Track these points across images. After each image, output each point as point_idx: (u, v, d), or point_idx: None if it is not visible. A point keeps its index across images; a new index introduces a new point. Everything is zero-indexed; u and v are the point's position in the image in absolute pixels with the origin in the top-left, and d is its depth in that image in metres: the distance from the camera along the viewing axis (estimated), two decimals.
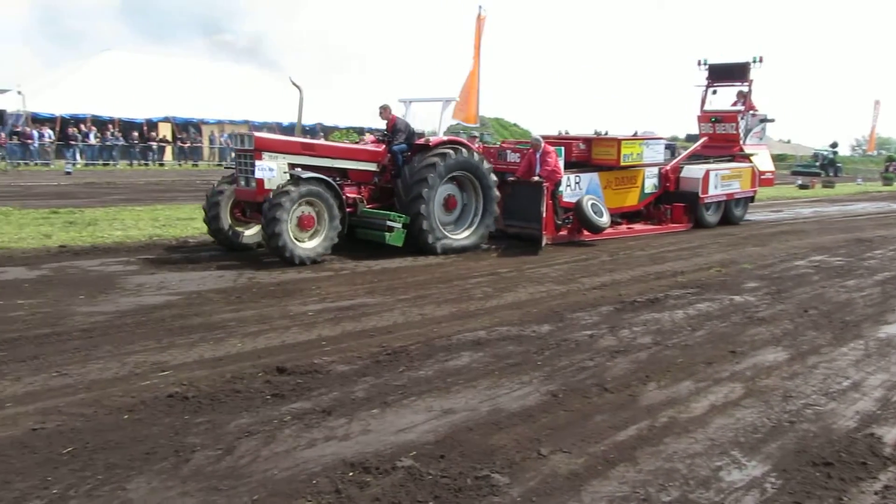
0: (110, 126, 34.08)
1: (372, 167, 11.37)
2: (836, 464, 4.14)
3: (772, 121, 18.02)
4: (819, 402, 5.16)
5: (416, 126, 11.95)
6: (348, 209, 10.57)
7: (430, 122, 12.76)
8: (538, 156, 12.26)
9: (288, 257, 9.57)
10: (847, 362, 6.11)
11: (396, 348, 6.10)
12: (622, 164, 13.76)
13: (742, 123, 17.01)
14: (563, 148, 13.11)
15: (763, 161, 17.31)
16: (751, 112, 17.26)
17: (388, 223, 10.65)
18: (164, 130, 36.75)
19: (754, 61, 16.76)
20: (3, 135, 31.23)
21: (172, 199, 17.97)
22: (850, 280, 9.76)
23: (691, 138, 18.46)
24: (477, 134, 23.92)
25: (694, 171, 15.43)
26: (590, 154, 13.98)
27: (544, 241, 11.87)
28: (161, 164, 34.84)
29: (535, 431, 4.49)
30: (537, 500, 3.67)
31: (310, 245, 9.92)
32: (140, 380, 5.22)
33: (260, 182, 9.84)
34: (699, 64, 17.58)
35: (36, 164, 30.51)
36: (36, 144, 31.25)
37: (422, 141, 11.50)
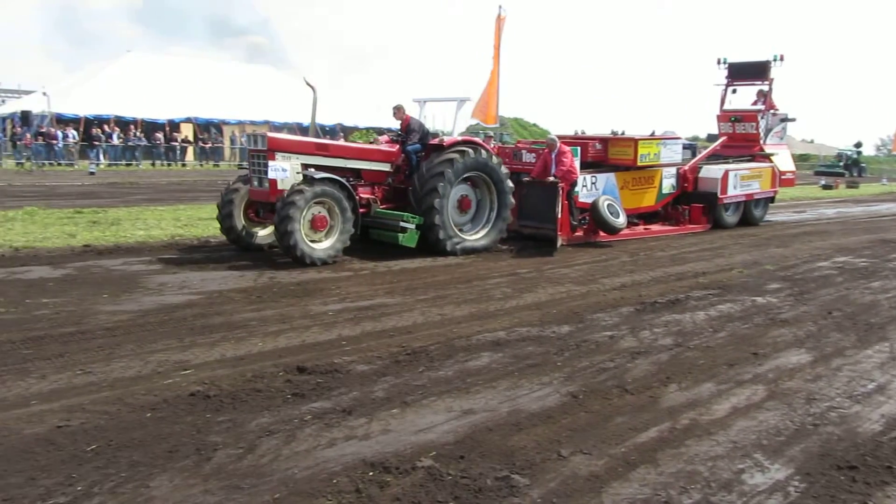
0: (132, 127, 34.46)
1: (386, 167, 11.33)
2: (860, 467, 4.09)
3: (793, 120, 17.83)
4: (843, 404, 5.10)
5: (432, 126, 11.89)
6: (361, 210, 10.55)
7: (446, 122, 12.75)
8: (554, 156, 12.20)
9: (299, 257, 9.55)
10: (872, 365, 6.03)
11: (416, 348, 6.10)
12: (639, 164, 13.65)
13: (762, 123, 16.84)
14: (579, 148, 13.01)
15: (784, 161, 17.11)
16: (771, 111, 17.09)
17: (402, 224, 10.62)
18: (186, 131, 37.11)
19: (775, 60, 16.59)
20: (28, 135, 31.69)
21: (194, 199, 18.13)
22: (874, 282, 9.63)
23: (712, 138, 18.28)
24: (492, 134, 23.86)
25: (713, 171, 15.29)
26: (606, 154, 13.87)
27: (559, 243, 11.81)
28: (183, 165, 35.16)
29: (555, 432, 4.48)
30: (557, 501, 3.66)
31: (322, 246, 9.90)
32: (162, 378, 5.28)
33: (273, 182, 9.85)
34: (719, 63, 17.44)
35: (60, 165, 30.89)
36: (60, 145, 31.65)
37: (436, 141, 11.47)
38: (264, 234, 10.81)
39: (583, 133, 18.01)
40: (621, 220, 12.71)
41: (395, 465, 3.96)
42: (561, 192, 11.77)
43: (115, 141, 33.59)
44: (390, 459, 4.03)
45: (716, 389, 5.35)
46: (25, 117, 34.23)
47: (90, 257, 10.07)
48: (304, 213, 9.61)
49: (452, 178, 10.92)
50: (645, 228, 14.34)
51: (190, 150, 36.57)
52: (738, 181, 15.47)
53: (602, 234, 12.79)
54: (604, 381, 5.46)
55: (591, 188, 13.15)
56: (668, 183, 14.68)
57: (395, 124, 12.03)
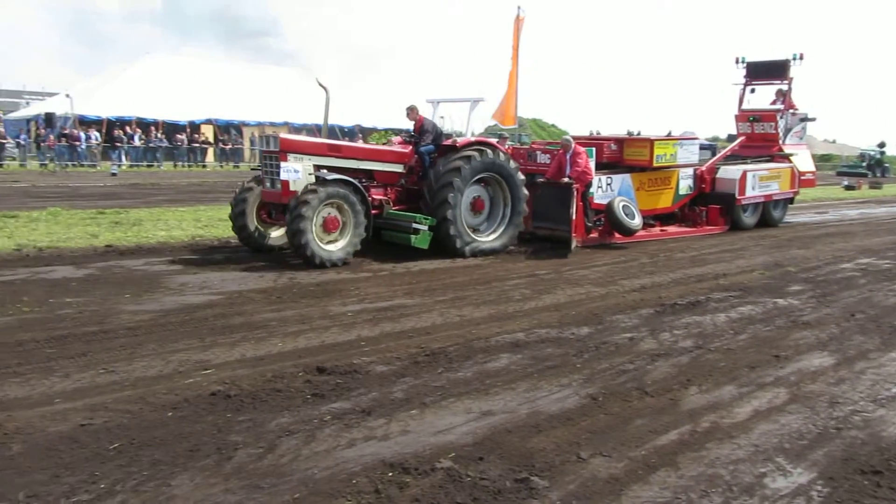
0: (154, 128, 34.81)
1: (398, 168, 11.29)
2: (885, 472, 4.04)
3: (812, 120, 17.63)
4: (867, 408, 5.04)
5: (449, 127, 11.85)
6: (374, 211, 10.51)
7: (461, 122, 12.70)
8: (568, 157, 12.13)
9: (310, 257, 9.53)
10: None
11: (435, 349, 6.11)
12: (655, 164, 13.55)
13: (781, 123, 16.68)
14: (594, 149, 12.94)
15: (803, 161, 16.92)
16: (790, 111, 16.91)
17: (415, 225, 10.57)
18: (207, 132, 37.43)
19: (794, 59, 16.42)
20: (52, 137, 32.09)
21: (214, 200, 18.25)
22: None
23: (733, 139, 18.13)
24: (507, 135, 23.78)
25: (730, 171, 15.14)
26: (622, 155, 13.79)
27: (574, 244, 11.73)
28: (203, 166, 35.46)
29: (575, 434, 4.47)
30: (577, 503, 3.65)
31: (334, 247, 9.88)
32: (183, 378, 5.33)
33: (285, 183, 9.86)
34: (737, 62, 17.28)
35: (83, 166, 31.24)
36: (83, 146, 32.00)
37: (449, 142, 11.40)
38: (277, 235, 10.82)
39: (598, 133, 17.94)
40: (637, 221, 12.62)
41: (414, 466, 3.96)
42: (576, 193, 11.70)
43: (137, 142, 33.96)
44: (409, 460, 4.04)
45: (737, 392, 5.31)
46: (49, 119, 34.67)
47: (112, 257, 10.19)
48: (315, 214, 9.60)
49: (465, 180, 10.86)
50: (661, 230, 14.23)
51: (210, 151, 36.89)
52: (756, 182, 15.31)
53: (617, 235, 12.71)
54: (623, 383, 5.44)
55: (607, 189, 13.06)
56: (684, 184, 14.54)
57: None
